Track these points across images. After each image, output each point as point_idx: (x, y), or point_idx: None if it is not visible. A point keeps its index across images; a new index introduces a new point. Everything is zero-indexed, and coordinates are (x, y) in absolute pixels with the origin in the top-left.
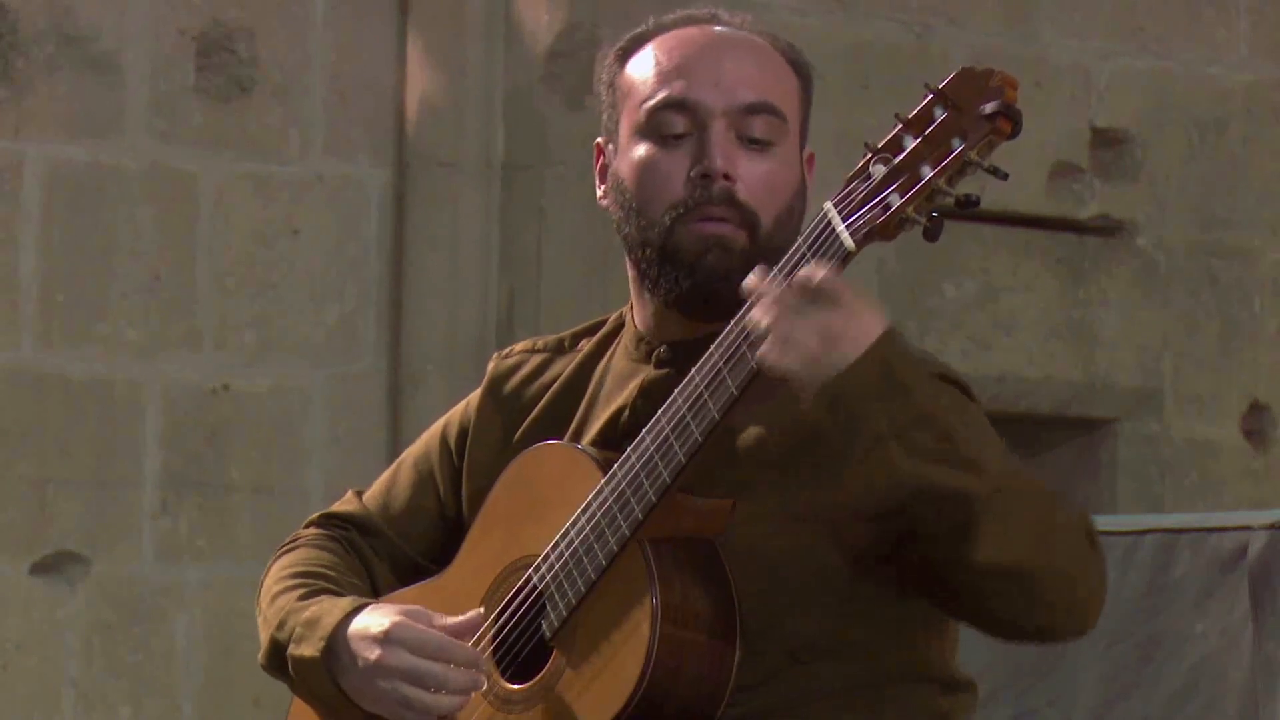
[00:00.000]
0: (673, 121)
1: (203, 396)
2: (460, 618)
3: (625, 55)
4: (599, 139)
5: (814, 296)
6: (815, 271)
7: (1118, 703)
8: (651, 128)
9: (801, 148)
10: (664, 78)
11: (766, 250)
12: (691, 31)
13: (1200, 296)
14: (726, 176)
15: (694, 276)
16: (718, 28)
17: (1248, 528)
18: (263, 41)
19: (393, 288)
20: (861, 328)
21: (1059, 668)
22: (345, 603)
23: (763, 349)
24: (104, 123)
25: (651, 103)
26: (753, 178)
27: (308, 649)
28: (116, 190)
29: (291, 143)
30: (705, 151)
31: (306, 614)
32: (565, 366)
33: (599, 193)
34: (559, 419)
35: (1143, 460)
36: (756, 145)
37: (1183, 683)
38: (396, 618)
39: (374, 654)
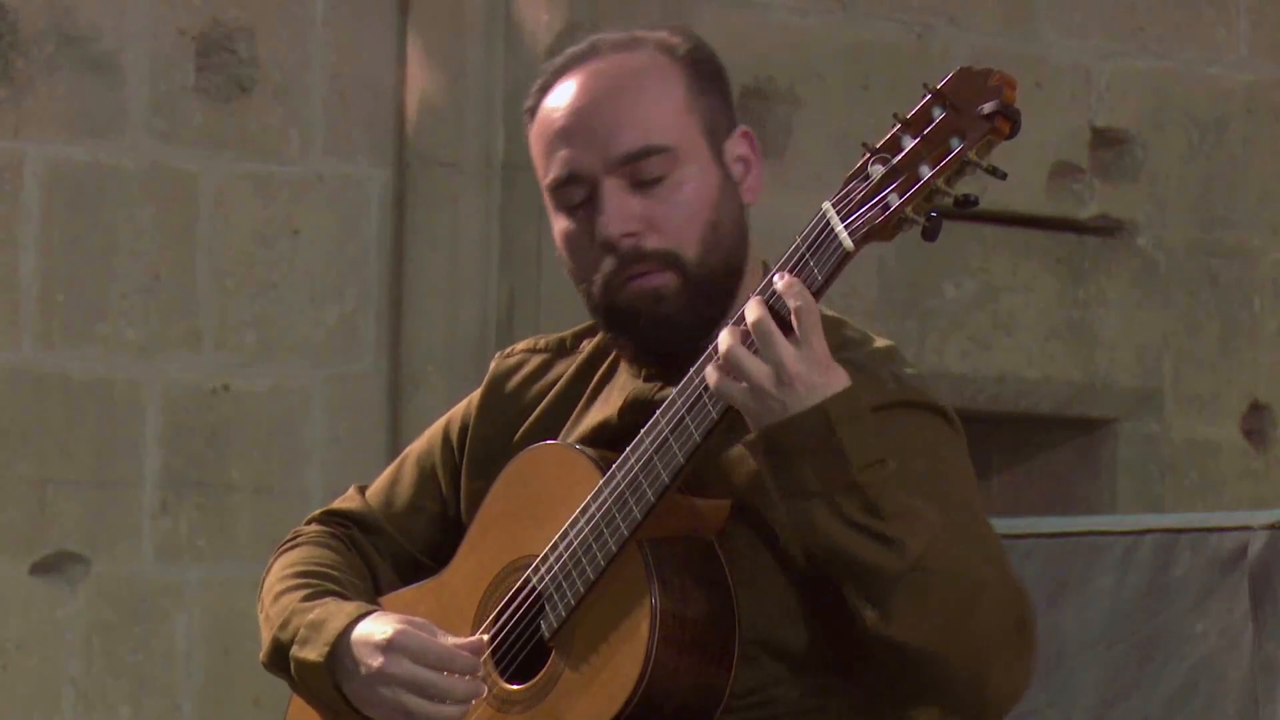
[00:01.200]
0: (571, 194)
1: (203, 396)
2: (464, 640)
3: (530, 116)
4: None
5: (795, 324)
6: (798, 298)
7: (1118, 703)
8: (558, 204)
9: (714, 149)
10: (551, 153)
11: (704, 275)
12: (565, 86)
13: (1200, 296)
14: (628, 235)
15: (641, 334)
16: (589, 68)
17: (1248, 528)
18: (263, 41)
19: (393, 288)
20: (818, 380)
21: (1059, 668)
22: (351, 608)
23: (709, 369)
24: (104, 123)
25: (548, 181)
26: (656, 218)
27: (311, 653)
28: (116, 190)
29: (291, 143)
30: (597, 219)
31: (311, 616)
32: (567, 367)
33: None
34: (558, 420)
35: (1143, 460)
36: (653, 183)
37: (1183, 683)
38: (400, 626)
39: (377, 661)
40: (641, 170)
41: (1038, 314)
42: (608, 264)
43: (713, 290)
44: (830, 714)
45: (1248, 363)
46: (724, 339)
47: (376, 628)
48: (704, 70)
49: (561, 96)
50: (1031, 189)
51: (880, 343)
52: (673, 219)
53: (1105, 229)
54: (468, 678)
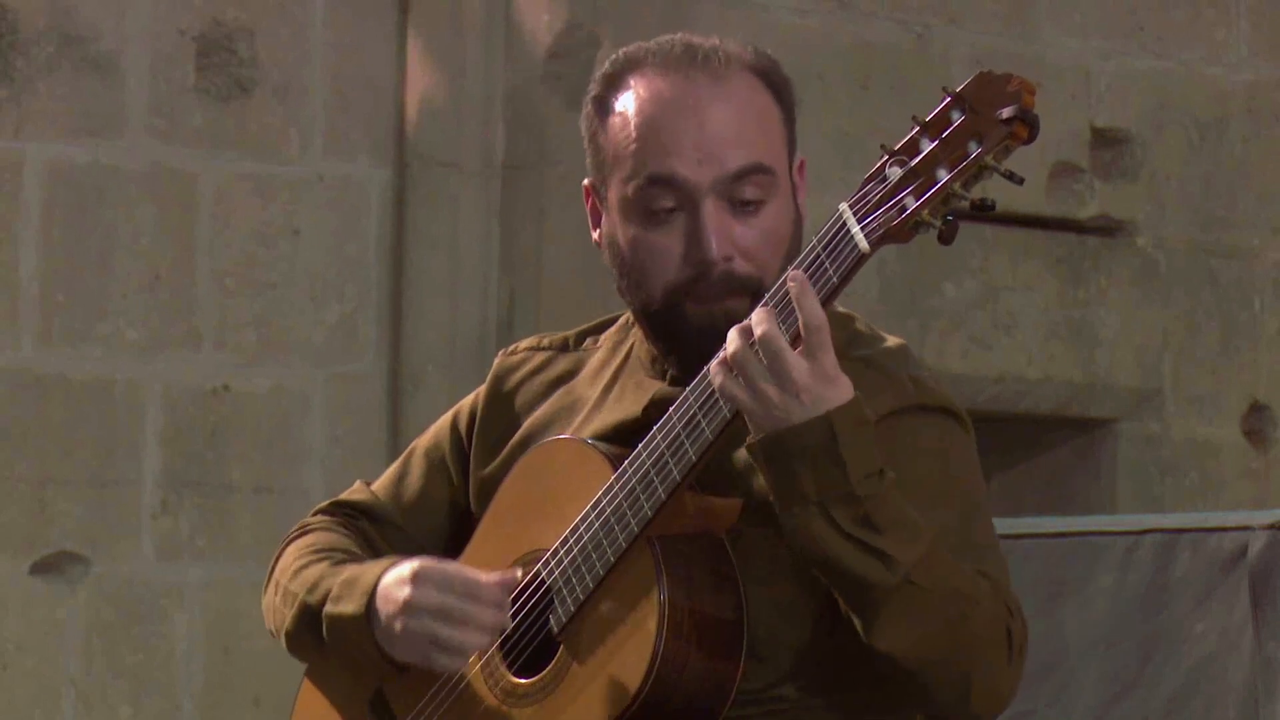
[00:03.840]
0: (660, 198)
1: (203, 396)
2: (496, 574)
3: (602, 106)
4: (586, 180)
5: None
6: (812, 311)
7: (1118, 703)
8: (640, 207)
9: (792, 173)
10: (645, 152)
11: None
12: (665, 86)
13: (1200, 296)
14: (727, 258)
15: (700, 351)
16: (694, 73)
17: (1248, 528)
18: (263, 41)
19: (393, 288)
20: (824, 390)
21: (1059, 668)
22: (385, 561)
23: (714, 369)
24: (104, 123)
25: (636, 182)
26: (748, 244)
27: (348, 606)
28: (116, 190)
29: (291, 143)
30: (699, 236)
31: (344, 576)
32: (571, 365)
33: (594, 235)
34: (564, 417)
35: (1143, 460)
36: (749, 207)
37: (1183, 683)
38: (426, 560)
39: (404, 593)
40: (743, 190)
41: (1038, 314)
42: (688, 278)
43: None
44: (837, 712)
45: (1248, 363)
46: (732, 341)
47: (404, 566)
48: (787, 98)
49: (662, 96)
50: (1032, 189)
51: (891, 341)
52: (763, 249)
53: (1105, 229)
54: (494, 610)
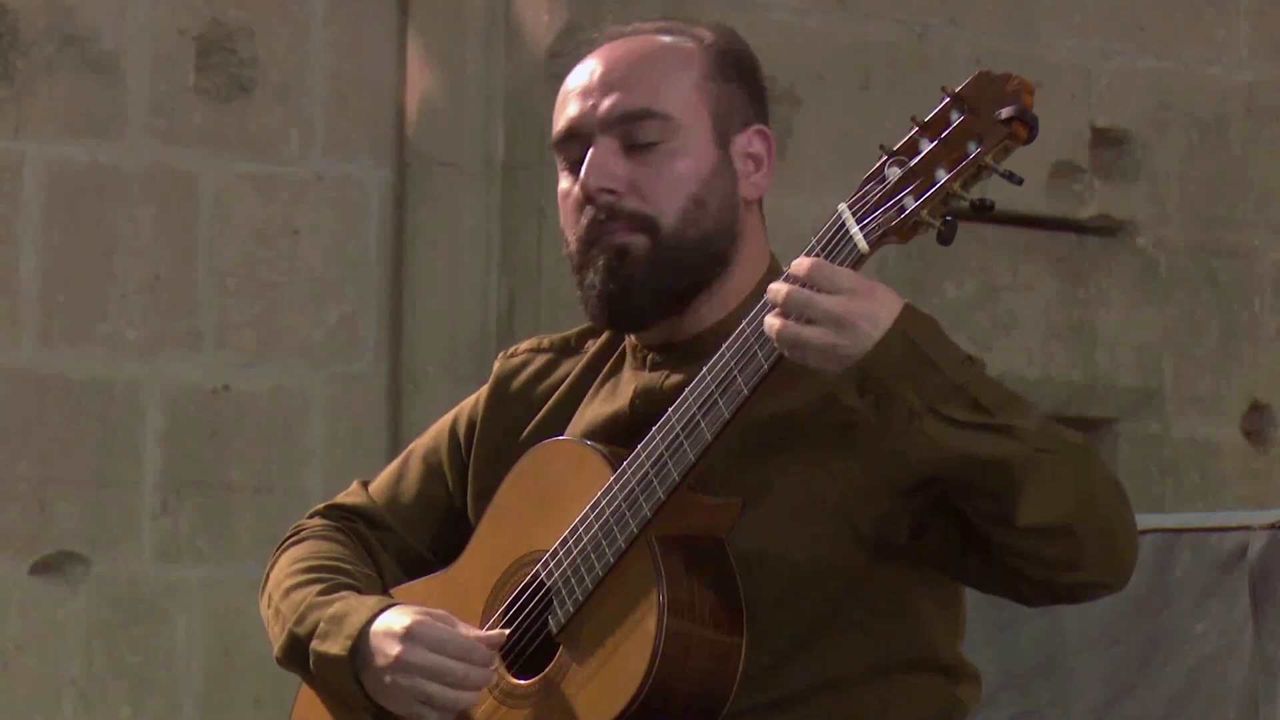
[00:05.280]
0: (570, 152)
1: (203, 396)
2: (483, 633)
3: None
4: None
5: (813, 283)
6: (804, 263)
7: (1118, 703)
8: (561, 163)
9: (719, 134)
10: (560, 111)
11: (676, 245)
12: (587, 54)
13: (1200, 296)
14: (607, 190)
15: (606, 290)
16: (615, 41)
17: (1248, 528)
18: (263, 41)
19: (393, 288)
20: (877, 308)
21: (1059, 668)
22: (372, 601)
23: (770, 319)
24: (104, 123)
25: (553, 139)
26: (641, 181)
27: (334, 646)
28: (116, 190)
29: (291, 143)
30: (579, 174)
31: (331, 610)
32: (571, 366)
33: None
34: (564, 418)
35: (1143, 460)
36: (643, 148)
37: (1183, 683)
38: (420, 616)
39: (396, 650)
40: (636, 133)
41: (1038, 314)
42: (585, 218)
43: (684, 264)
44: (841, 691)
45: (1248, 363)
46: (772, 322)
47: (396, 619)
48: (727, 60)
49: (581, 62)
50: (1032, 189)
51: None
52: (656, 186)
53: (1105, 229)
54: (485, 671)
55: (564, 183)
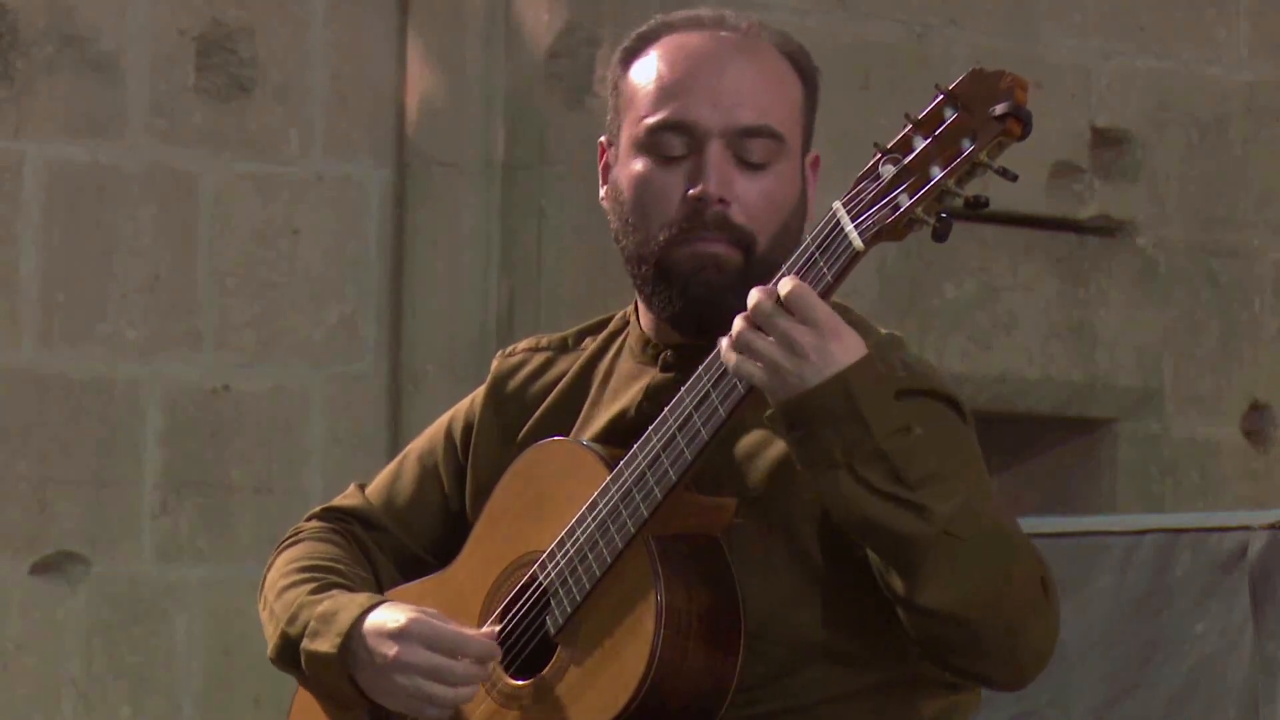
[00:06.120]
0: (671, 142)
1: (203, 396)
2: (475, 631)
3: (630, 57)
4: (602, 138)
5: (788, 306)
6: (789, 282)
7: (1118, 703)
8: (650, 145)
9: (803, 157)
10: (664, 95)
11: (763, 267)
12: (694, 39)
13: (1200, 296)
14: (722, 200)
15: (687, 295)
16: (723, 33)
17: (1248, 528)
18: (263, 41)
19: (393, 288)
20: (835, 349)
21: (1059, 668)
22: (361, 598)
23: (725, 350)
24: (104, 123)
25: (650, 121)
26: (749, 199)
27: (323, 645)
28: (116, 190)
29: (291, 143)
30: (701, 175)
31: (320, 609)
32: (569, 365)
33: (601, 192)
34: (562, 417)
35: (1143, 460)
36: (753, 167)
37: (1183, 683)
38: (413, 614)
39: (391, 650)
40: (751, 149)
41: (1038, 314)
42: (684, 219)
43: (761, 282)
44: (840, 703)
45: (1248, 363)
46: (737, 324)
47: (389, 616)
48: (812, 89)
49: (690, 47)
50: (1032, 189)
51: (885, 332)
52: (762, 207)
53: (1105, 229)
54: (481, 667)
55: (645, 166)
